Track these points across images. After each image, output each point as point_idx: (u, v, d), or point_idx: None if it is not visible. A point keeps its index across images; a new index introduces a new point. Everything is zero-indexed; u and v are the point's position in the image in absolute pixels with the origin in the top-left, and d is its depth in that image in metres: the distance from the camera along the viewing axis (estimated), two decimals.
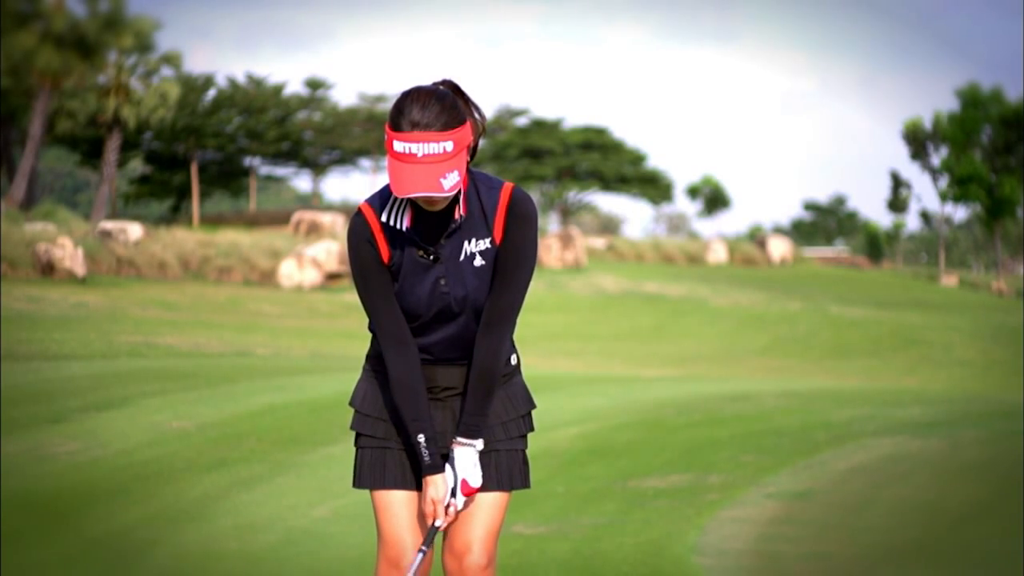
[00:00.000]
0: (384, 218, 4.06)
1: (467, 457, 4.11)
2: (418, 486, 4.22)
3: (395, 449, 4.22)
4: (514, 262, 4.07)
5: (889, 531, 8.31)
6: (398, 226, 4.05)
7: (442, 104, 3.91)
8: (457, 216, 4.04)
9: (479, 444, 4.13)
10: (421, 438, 4.09)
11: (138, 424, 11.52)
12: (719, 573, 7.10)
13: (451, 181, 3.89)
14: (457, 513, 4.13)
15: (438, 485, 4.10)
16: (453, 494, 4.11)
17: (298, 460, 10.37)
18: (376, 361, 4.25)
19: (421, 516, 4.22)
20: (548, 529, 8.16)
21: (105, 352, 17.87)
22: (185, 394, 13.30)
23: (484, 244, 4.07)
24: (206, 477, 9.57)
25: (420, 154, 3.87)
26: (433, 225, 4.05)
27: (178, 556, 7.49)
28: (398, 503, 4.21)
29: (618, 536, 7.96)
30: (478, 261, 4.07)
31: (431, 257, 4.06)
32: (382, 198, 4.10)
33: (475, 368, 4.11)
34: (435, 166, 3.88)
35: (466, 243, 4.06)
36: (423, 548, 4.12)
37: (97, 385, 13.72)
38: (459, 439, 4.12)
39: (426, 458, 4.09)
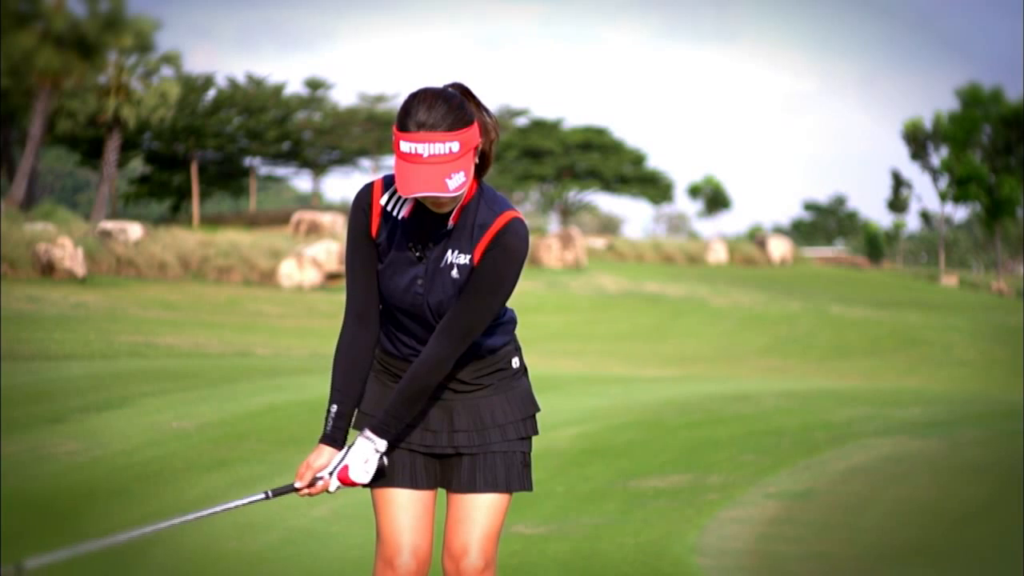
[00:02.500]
0: (383, 201, 4.08)
1: (361, 450, 4.10)
2: (420, 486, 4.21)
3: (397, 448, 4.20)
4: (484, 288, 4.02)
5: (889, 531, 8.31)
6: (395, 214, 4.07)
7: (448, 105, 3.91)
8: (449, 223, 4.04)
9: (380, 444, 4.09)
10: (334, 408, 4.13)
11: (138, 424, 11.52)
12: (719, 573, 7.10)
13: (456, 182, 3.89)
14: (324, 491, 4.13)
15: (322, 454, 4.12)
16: (332, 473, 4.11)
17: (298, 460, 10.34)
18: (380, 357, 4.25)
19: (421, 516, 4.21)
20: (548, 529, 8.16)
21: (105, 352, 17.87)
22: (185, 394, 13.29)
23: (463, 259, 4.05)
24: (206, 477, 9.57)
25: (426, 154, 3.88)
26: (429, 224, 4.06)
27: (178, 556, 7.48)
28: (397, 502, 4.19)
29: (618, 536, 7.96)
30: (455, 273, 4.05)
31: (417, 254, 4.07)
32: (391, 183, 4.12)
33: (410, 370, 4.08)
34: (440, 166, 3.88)
35: (450, 252, 4.05)
36: (267, 492, 4.14)
37: (97, 385, 13.72)
38: (366, 431, 4.11)
39: (327, 428, 4.13)
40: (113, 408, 12.23)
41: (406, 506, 4.19)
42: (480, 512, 4.17)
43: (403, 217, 4.07)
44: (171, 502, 8.81)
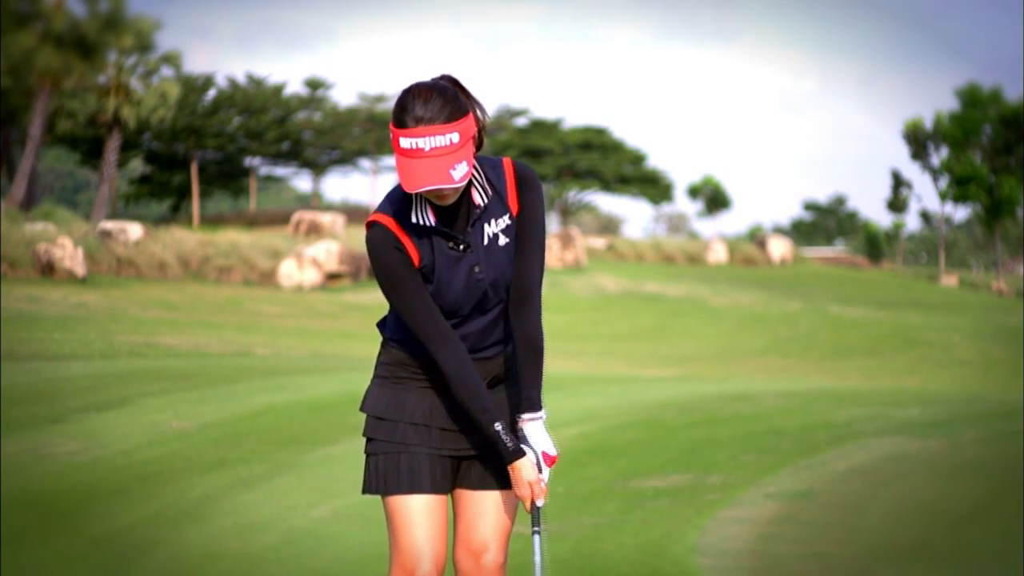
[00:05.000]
0: (414, 219, 4.04)
1: (538, 430, 4.13)
2: (441, 490, 4.15)
3: (411, 453, 4.14)
4: (531, 230, 4.11)
5: (889, 531, 8.31)
6: (425, 222, 4.04)
7: (444, 97, 3.93)
8: (479, 202, 4.06)
9: (543, 414, 4.15)
10: (498, 426, 4.07)
11: (138, 424, 11.52)
12: (719, 573, 7.10)
13: (461, 172, 3.91)
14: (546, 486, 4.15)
15: (527, 468, 4.09)
16: (541, 470, 4.12)
17: (298, 460, 10.36)
18: (397, 367, 4.19)
19: (441, 522, 4.15)
20: (548, 529, 8.16)
21: (105, 352, 17.87)
22: (185, 394, 13.29)
23: (504, 221, 4.10)
24: (206, 477, 9.57)
25: (427, 148, 3.89)
26: (455, 215, 4.07)
27: (178, 556, 7.49)
28: (421, 509, 4.12)
29: (618, 536, 7.97)
30: (502, 240, 4.10)
31: (461, 247, 4.06)
32: (393, 203, 4.07)
33: (520, 344, 4.12)
34: (443, 158, 3.90)
35: (486, 226, 4.09)
36: (536, 529, 4.12)
37: (97, 385, 13.72)
38: (524, 416, 4.13)
39: (508, 444, 4.08)
40: (113, 408, 12.23)
41: (429, 513, 4.13)
42: (500, 508, 4.20)
43: (434, 223, 4.05)
44: (171, 502, 8.81)
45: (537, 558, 4.12)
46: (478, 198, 4.07)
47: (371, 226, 4.05)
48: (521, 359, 4.13)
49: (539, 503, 4.10)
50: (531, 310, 4.12)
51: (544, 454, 4.11)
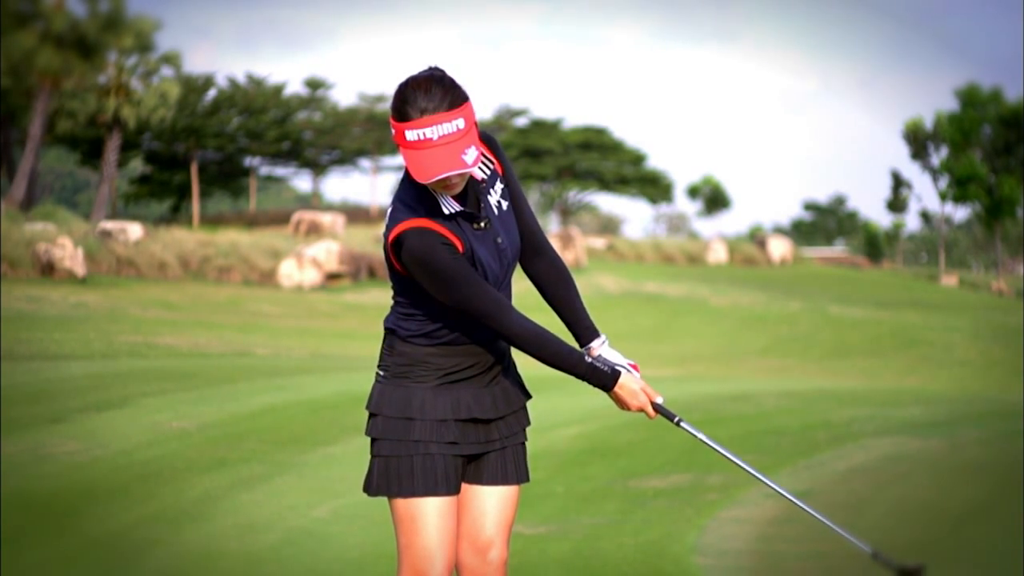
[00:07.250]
0: (446, 210, 4.04)
1: (609, 350, 4.29)
2: (450, 491, 4.11)
3: (426, 454, 4.09)
4: (515, 184, 4.25)
5: (889, 531, 8.31)
6: (454, 210, 4.05)
7: (443, 86, 3.95)
8: (481, 176, 4.11)
9: (605, 336, 4.32)
10: (588, 358, 4.16)
11: (138, 424, 11.52)
12: (719, 573, 7.10)
13: (471, 156, 3.93)
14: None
15: (630, 380, 4.20)
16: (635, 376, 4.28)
17: (298, 460, 10.37)
18: (416, 367, 4.12)
19: (454, 523, 4.14)
20: (548, 529, 8.16)
21: (105, 352, 17.87)
22: (185, 394, 13.29)
23: (500, 186, 4.19)
24: (206, 477, 9.57)
25: (436, 137, 3.90)
26: (470, 196, 4.10)
27: (178, 556, 7.49)
28: (438, 511, 4.09)
29: (618, 536, 7.97)
30: (504, 205, 4.18)
31: (483, 224, 4.10)
32: (416, 206, 4.04)
33: (555, 284, 4.30)
34: (453, 145, 3.92)
35: (489, 197, 4.14)
36: (677, 419, 4.26)
37: (97, 385, 13.72)
38: (593, 345, 4.29)
39: (606, 369, 4.17)
40: (113, 408, 12.23)
41: (442, 514, 4.09)
42: (507, 504, 4.21)
43: (460, 208, 4.06)
44: (171, 502, 8.81)
45: (700, 435, 4.34)
46: (479, 173, 4.10)
47: (408, 235, 4.00)
48: (564, 297, 4.32)
49: (659, 400, 4.24)
50: (549, 251, 4.31)
51: (631, 364, 4.28)
